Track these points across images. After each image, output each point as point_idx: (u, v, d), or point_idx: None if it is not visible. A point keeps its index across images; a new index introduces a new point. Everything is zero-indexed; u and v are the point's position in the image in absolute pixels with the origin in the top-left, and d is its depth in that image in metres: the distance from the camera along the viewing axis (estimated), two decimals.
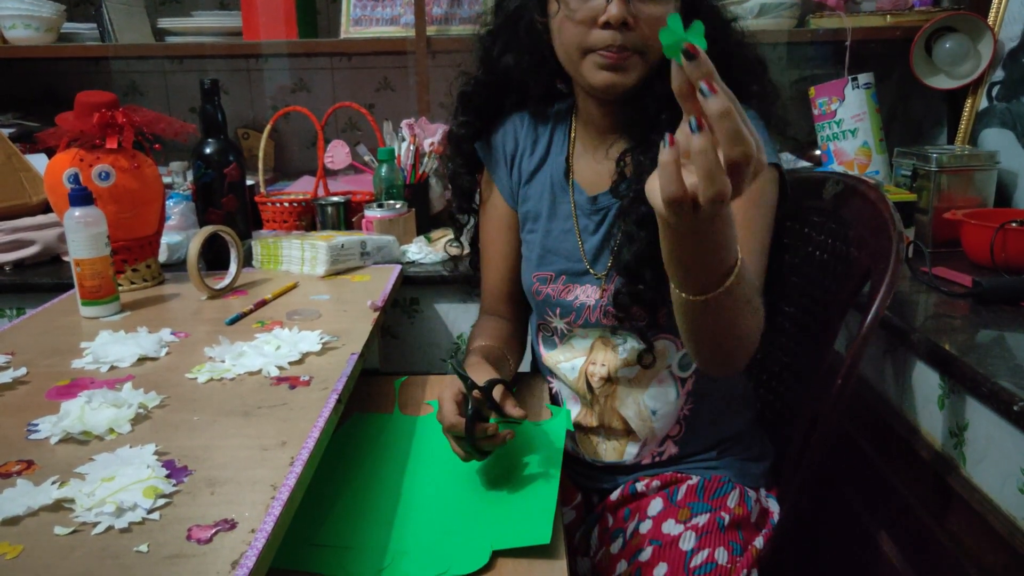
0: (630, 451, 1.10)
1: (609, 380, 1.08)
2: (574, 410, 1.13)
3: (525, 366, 1.50)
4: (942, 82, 1.72)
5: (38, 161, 1.67)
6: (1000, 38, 1.62)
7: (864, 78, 1.73)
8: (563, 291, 1.08)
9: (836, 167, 1.74)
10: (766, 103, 1.03)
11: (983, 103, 1.65)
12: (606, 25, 0.92)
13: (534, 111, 1.13)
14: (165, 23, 2.02)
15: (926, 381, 1.09)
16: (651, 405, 1.08)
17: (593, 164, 1.08)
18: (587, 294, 1.07)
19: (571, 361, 1.11)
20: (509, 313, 1.18)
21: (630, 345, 1.06)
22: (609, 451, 1.12)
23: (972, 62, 1.66)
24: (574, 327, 1.09)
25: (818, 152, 1.81)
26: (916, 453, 1.09)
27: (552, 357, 1.13)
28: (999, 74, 1.63)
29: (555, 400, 1.16)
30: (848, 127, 1.73)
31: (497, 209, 1.16)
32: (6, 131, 1.73)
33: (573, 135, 1.11)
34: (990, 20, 1.63)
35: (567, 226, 1.09)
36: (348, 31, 2.02)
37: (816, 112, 1.77)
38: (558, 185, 1.10)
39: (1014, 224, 1.27)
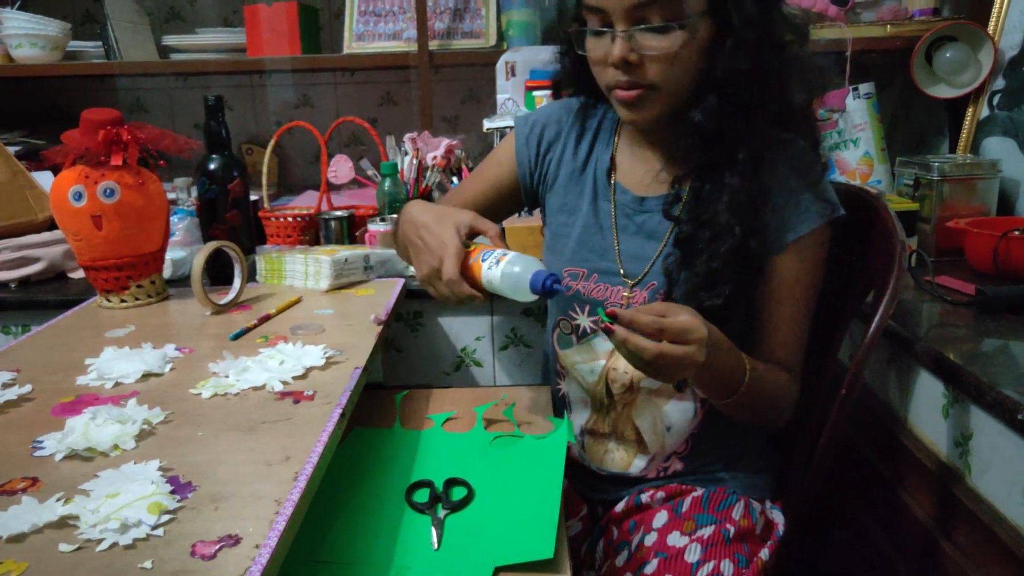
0: (637, 464, 1.10)
1: (630, 388, 1.07)
2: (584, 415, 1.12)
3: (529, 378, 1.50)
4: (943, 91, 1.72)
5: (44, 178, 1.68)
6: (1000, 47, 1.62)
7: (865, 88, 1.73)
8: (594, 289, 1.07)
9: (838, 177, 1.75)
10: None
11: (984, 112, 1.66)
12: (614, 65, 0.94)
13: (588, 101, 1.14)
14: (170, 40, 2.04)
15: (930, 390, 1.08)
16: (667, 420, 1.07)
17: (637, 165, 1.09)
18: (618, 296, 1.06)
19: (590, 363, 1.10)
20: None
21: None
22: (616, 461, 1.11)
23: (972, 71, 1.66)
24: (597, 326, 1.09)
25: None
26: (921, 463, 1.08)
27: (568, 357, 1.12)
28: (1000, 83, 1.63)
29: (562, 403, 1.15)
30: (849, 137, 1.74)
31: (502, 165, 1.18)
32: (12, 149, 1.74)
33: (619, 133, 1.12)
34: (990, 29, 1.64)
35: (606, 224, 1.08)
36: (351, 46, 2.04)
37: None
38: (600, 182, 1.10)
39: (1017, 232, 1.27)
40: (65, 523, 0.67)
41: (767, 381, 0.98)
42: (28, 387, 0.96)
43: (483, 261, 0.96)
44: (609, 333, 0.85)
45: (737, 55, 0.94)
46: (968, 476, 0.99)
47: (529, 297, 0.93)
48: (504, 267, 0.94)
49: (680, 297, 0.99)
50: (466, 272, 0.97)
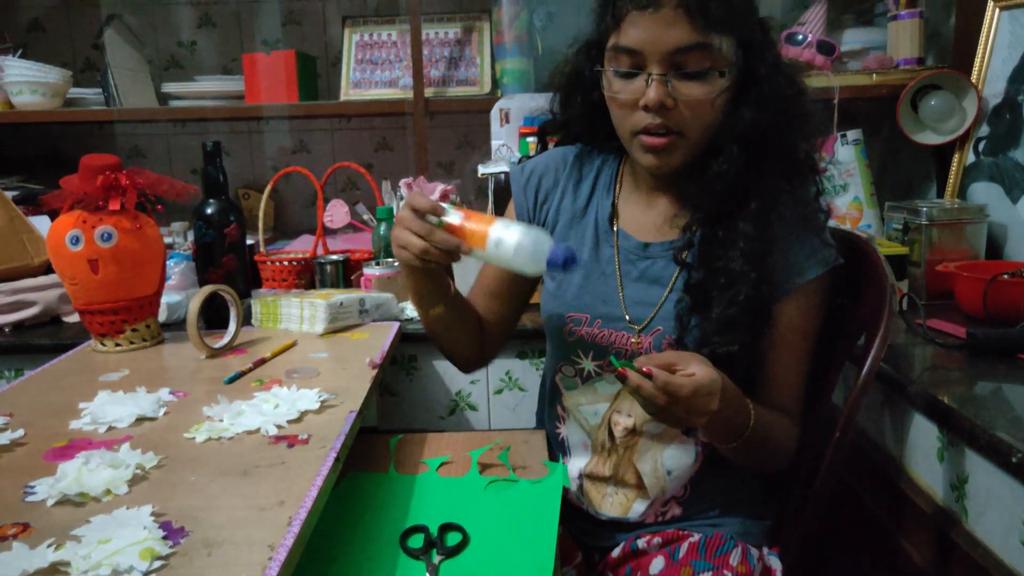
0: (636, 508, 1.09)
1: (633, 431, 1.07)
2: (584, 458, 1.12)
3: (525, 422, 1.49)
4: (929, 138, 1.75)
5: (41, 223, 1.69)
6: (984, 95, 1.66)
7: (853, 134, 1.76)
8: (598, 335, 1.07)
9: (828, 222, 1.77)
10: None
11: (970, 158, 1.69)
12: (646, 107, 0.95)
13: (583, 149, 1.15)
14: (169, 87, 2.07)
15: (925, 433, 1.09)
16: (668, 464, 1.07)
17: (639, 211, 1.10)
18: (623, 341, 1.06)
19: (594, 405, 1.09)
20: (484, 309, 1.20)
21: None
22: (615, 505, 1.10)
23: (957, 118, 1.70)
24: (604, 370, 1.08)
25: None
26: (918, 506, 1.08)
27: (573, 398, 1.12)
28: (984, 129, 1.66)
29: (560, 447, 1.15)
30: (839, 182, 1.76)
31: None
32: (10, 193, 1.75)
33: (620, 179, 1.13)
34: (973, 78, 1.67)
35: (608, 270, 1.08)
36: (348, 93, 2.07)
37: None
38: (602, 228, 1.11)
39: (1006, 276, 1.29)
40: (56, 569, 0.66)
41: (770, 425, 0.99)
42: (21, 432, 0.96)
43: (489, 225, 0.94)
44: (622, 379, 0.86)
45: (761, 106, 0.97)
46: (965, 520, 0.99)
47: (535, 267, 0.92)
48: (517, 231, 0.92)
49: (692, 343, 1.00)
50: (452, 230, 0.95)
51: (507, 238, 0.92)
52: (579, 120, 1.12)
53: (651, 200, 1.09)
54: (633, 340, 1.05)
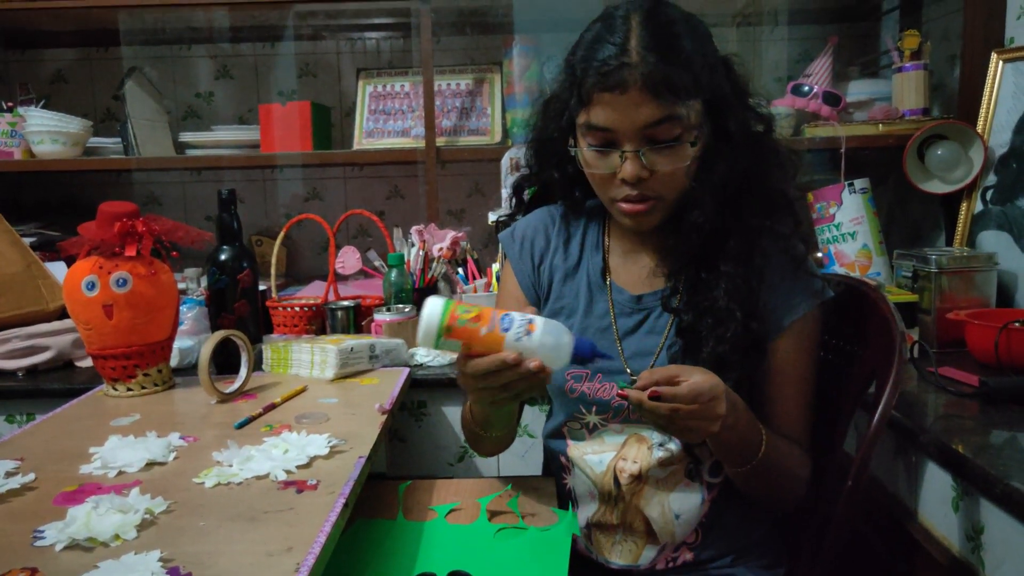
0: (647, 555, 1.08)
1: (638, 478, 1.06)
2: (591, 508, 1.11)
3: (534, 469, 1.48)
4: (936, 187, 1.76)
5: (58, 269, 1.72)
6: (990, 145, 1.67)
7: (860, 183, 1.78)
8: (599, 389, 1.07)
9: (837, 269, 1.77)
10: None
11: (978, 206, 1.69)
12: (624, 180, 0.97)
13: (569, 205, 1.16)
14: (187, 137, 2.12)
15: (939, 483, 1.07)
16: (676, 508, 1.06)
17: (629, 264, 1.11)
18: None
19: (599, 455, 1.09)
20: None
21: (665, 443, 1.06)
22: (625, 553, 1.09)
23: (964, 167, 1.71)
24: (609, 422, 1.08)
25: (819, 255, 1.85)
26: (933, 558, 1.06)
27: (579, 448, 1.11)
28: (992, 178, 1.67)
29: (567, 497, 1.14)
30: (847, 230, 1.77)
31: (512, 296, 1.18)
32: (28, 240, 1.78)
33: (607, 236, 1.14)
34: (979, 128, 1.69)
35: (604, 324, 1.09)
36: (361, 143, 2.11)
37: (815, 216, 1.82)
38: (595, 283, 1.12)
39: (1017, 324, 1.28)
40: None
41: (783, 451, 1.00)
42: (31, 476, 0.96)
43: (504, 331, 0.91)
44: (625, 399, 0.90)
45: (734, 154, 0.99)
46: (982, 571, 0.97)
47: (560, 366, 0.92)
48: (539, 337, 0.90)
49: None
50: (475, 344, 0.91)
51: (530, 339, 0.90)
52: (558, 187, 1.14)
53: (637, 253, 1.11)
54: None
